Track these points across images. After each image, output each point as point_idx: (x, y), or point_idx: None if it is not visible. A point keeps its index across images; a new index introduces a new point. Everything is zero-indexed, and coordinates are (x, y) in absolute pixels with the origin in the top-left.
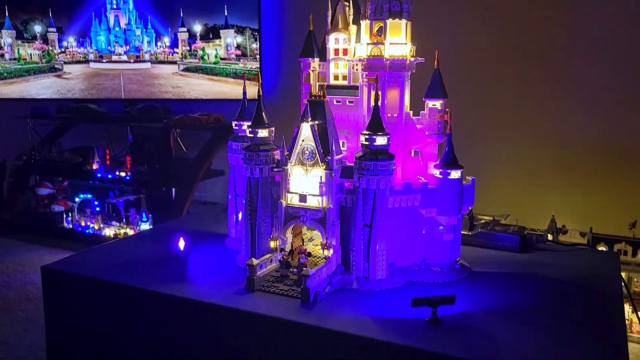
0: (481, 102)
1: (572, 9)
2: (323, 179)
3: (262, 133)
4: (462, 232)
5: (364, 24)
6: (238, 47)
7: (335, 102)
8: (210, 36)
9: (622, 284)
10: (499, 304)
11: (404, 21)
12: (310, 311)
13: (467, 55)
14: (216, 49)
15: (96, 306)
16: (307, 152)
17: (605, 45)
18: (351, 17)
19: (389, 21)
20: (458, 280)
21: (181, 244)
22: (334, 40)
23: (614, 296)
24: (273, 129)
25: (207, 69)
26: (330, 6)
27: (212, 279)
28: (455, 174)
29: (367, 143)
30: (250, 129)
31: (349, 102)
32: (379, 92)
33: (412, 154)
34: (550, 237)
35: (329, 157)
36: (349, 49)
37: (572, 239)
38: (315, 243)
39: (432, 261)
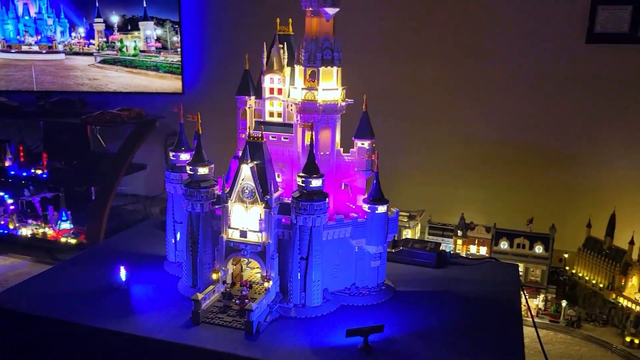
0: (394, 103)
1: (472, 13)
2: (262, 217)
3: (203, 171)
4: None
5: (298, 68)
6: (158, 39)
7: (270, 138)
8: (129, 28)
9: (522, 293)
10: (420, 325)
11: (335, 68)
12: (254, 343)
13: (380, 54)
14: (135, 41)
15: (33, 345)
16: (246, 191)
17: (503, 47)
18: (285, 60)
19: (322, 69)
20: (384, 302)
21: (122, 273)
22: (269, 80)
23: (514, 311)
24: (213, 165)
25: (125, 62)
26: (265, 48)
27: (156, 311)
28: (381, 209)
29: (303, 185)
30: (190, 167)
31: (284, 138)
32: (313, 137)
33: (342, 187)
34: (460, 232)
35: (268, 197)
36: (283, 88)
37: (479, 234)
38: (252, 267)
39: (361, 284)
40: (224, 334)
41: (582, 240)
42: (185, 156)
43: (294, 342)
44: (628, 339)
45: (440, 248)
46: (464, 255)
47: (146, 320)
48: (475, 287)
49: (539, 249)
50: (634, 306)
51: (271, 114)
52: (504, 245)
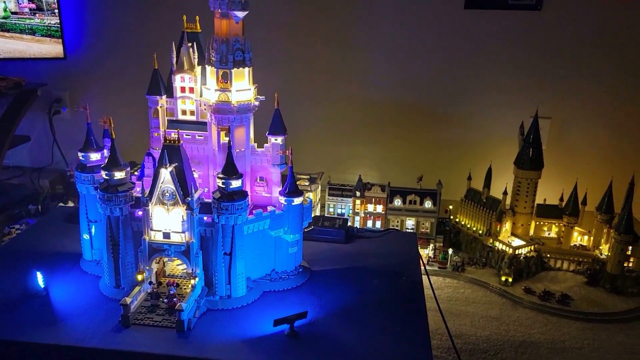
0: (290, 64)
1: None
2: (184, 218)
3: (119, 175)
4: None
5: (209, 69)
6: (32, 0)
7: (185, 136)
8: None
9: (420, 260)
10: (338, 305)
11: (247, 69)
12: (187, 341)
13: (279, 18)
14: (5, 2)
15: None
16: (167, 194)
17: (389, 13)
18: (196, 60)
19: (234, 70)
20: (303, 284)
21: (40, 279)
22: (180, 79)
23: (416, 280)
24: (128, 168)
25: None
26: (174, 47)
27: (83, 316)
28: (297, 201)
29: (223, 186)
30: (106, 172)
31: (199, 136)
32: (230, 140)
33: (258, 180)
34: (358, 193)
35: (189, 199)
36: (195, 87)
37: (376, 194)
38: (173, 261)
39: (280, 269)
40: (157, 335)
41: (464, 192)
42: (95, 156)
43: (225, 335)
44: (503, 278)
45: (348, 224)
46: (368, 229)
47: (74, 328)
48: (381, 260)
49: (428, 204)
50: (507, 249)
51: (184, 112)
52: (397, 202)
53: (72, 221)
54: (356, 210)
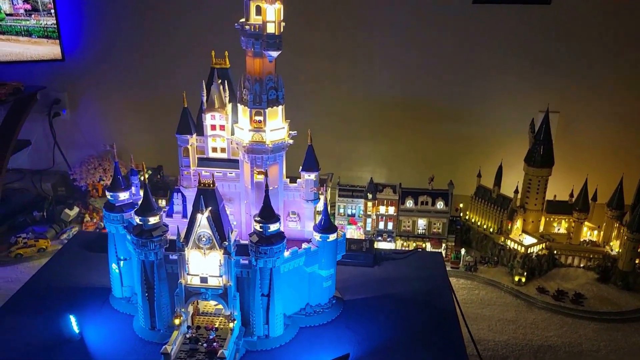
0: (298, 67)
1: None
2: (222, 262)
3: (153, 220)
4: None
5: (242, 108)
6: (27, 0)
7: (216, 173)
8: None
9: (448, 281)
10: (375, 341)
11: (280, 107)
12: None
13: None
14: None
15: None
16: (203, 238)
17: (396, 9)
18: (227, 98)
19: (268, 110)
20: (337, 317)
21: (74, 323)
22: (211, 117)
23: (448, 309)
24: (163, 212)
25: None
26: (204, 86)
27: None
28: (332, 237)
29: (261, 230)
30: (140, 218)
31: (230, 174)
32: (267, 185)
33: (290, 214)
34: (370, 195)
35: (226, 243)
36: (226, 125)
37: (387, 195)
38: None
39: (314, 303)
40: None
41: (474, 187)
42: (124, 195)
43: None
44: (516, 278)
45: (375, 246)
46: (394, 251)
47: None
48: (409, 285)
49: (440, 204)
50: (519, 247)
51: (214, 150)
52: (409, 203)
53: (93, 249)
54: (368, 212)
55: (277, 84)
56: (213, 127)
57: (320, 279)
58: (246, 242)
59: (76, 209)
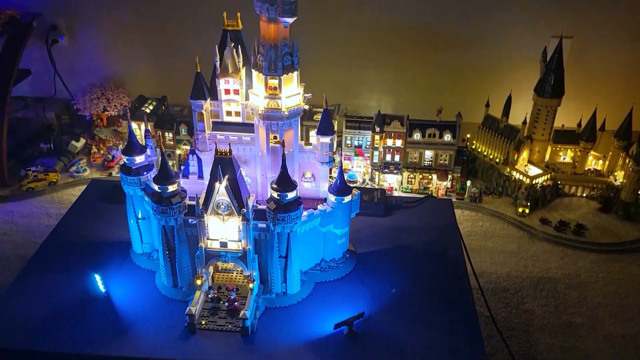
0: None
1: None
2: (241, 228)
3: (172, 187)
4: None
5: (256, 74)
6: None
7: (231, 137)
8: None
9: (457, 229)
10: (387, 297)
11: (295, 73)
12: (253, 347)
13: None
14: None
15: None
16: (222, 206)
17: None
18: (240, 63)
19: (283, 77)
20: (352, 272)
21: (100, 283)
22: (225, 82)
23: (459, 260)
24: (180, 179)
25: None
26: (217, 51)
27: (148, 323)
28: (347, 199)
29: (279, 198)
30: (159, 186)
31: (245, 137)
32: (284, 151)
33: (305, 175)
34: (377, 129)
35: (245, 210)
36: (240, 90)
37: (395, 128)
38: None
39: (329, 258)
40: (224, 340)
41: (481, 116)
42: (140, 158)
43: (287, 337)
44: (520, 209)
45: (385, 191)
46: (406, 199)
47: (142, 337)
48: (420, 237)
49: (447, 137)
50: (524, 178)
51: (229, 114)
52: (417, 136)
53: (109, 200)
54: (375, 145)
55: (292, 49)
56: (227, 92)
57: (335, 236)
58: (263, 207)
59: (82, 140)
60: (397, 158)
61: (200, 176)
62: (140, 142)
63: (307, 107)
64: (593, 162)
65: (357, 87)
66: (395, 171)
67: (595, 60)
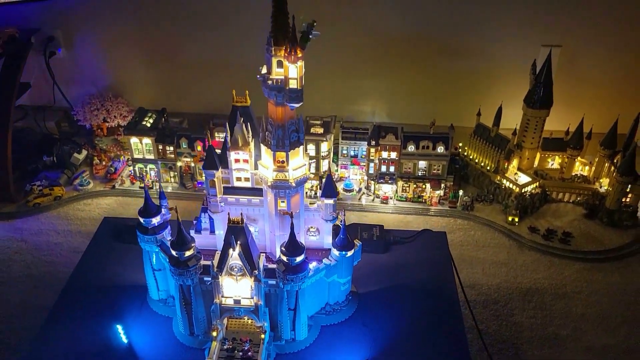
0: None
1: None
2: (253, 287)
3: (189, 253)
4: None
5: (265, 148)
6: None
7: (241, 199)
8: None
9: (452, 261)
10: (388, 338)
11: (301, 148)
12: None
13: None
14: None
15: None
16: (235, 268)
17: None
18: (250, 137)
19: (290, 152)
20: (354, 314)
21: (122, 334)
22: (235, 153)
23: (453, 298)
24: (194, 245)
25: None
26: (228, 127)
27: None
28: (350, 253)
29: (287, 261)
30: (176, 252)
31: (254, 200)
32: (293, 225)
33: (310, 229)
34: (373, 142)
35: (256, 272)
36: (249, 159)
37: (390, 142)
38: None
39: (333, 302)
40: None
41: (473, 122)
42: (155, 219)
43: None
44: (510, 218)
45: (384, 228)
46: (403, 233)
47: None
48: (418, 273)
49: (440, 148)
50: (514, 187)
51: (239, 179)
52: (411, 148)
53: (122, 239)
54: (371, 157)
55: (298, 125)
56: (237, 161)
57: (339, 284)
58: (273, 266)
59: (84, 152)
60: (392, 169)
61: (212, 232)
62: (156, 206)
63: (312, 176)
64: (580, 168)
65: (352, 94)
66: (390, 181)
67: (583, 69)
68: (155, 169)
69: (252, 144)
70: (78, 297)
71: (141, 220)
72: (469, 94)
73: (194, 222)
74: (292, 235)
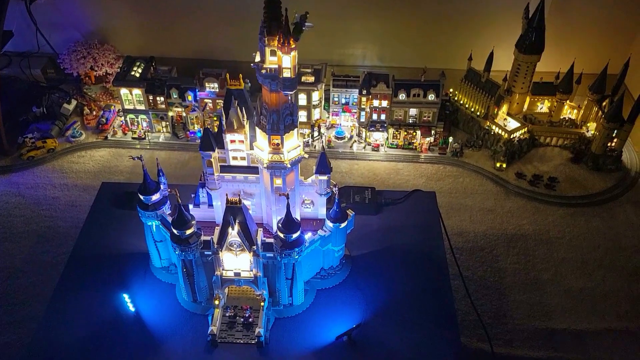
0: None
1: None
2: (252, 261)
3: (189, 231)
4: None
5: (260, 131)
6: None
7: (238, 177)
8: None
9: (440, 221)
10: (381, 302)
11: (295, 130)
12: (268, 358)
13: None
14: None
15: None
16: (235, 244)
17: None
18: (245, 119)
19: (285, 135)
20: (348, 277)
21: (128, 303)
22: (231, 135)
23: (441, 262)
24: (194, 222)
25: None
26: (223, 110)
27: (175, 337)
28: (343, 224)
29: (284, 238)
30: (177, 231)
31: (251, 177)
32: (288, 199)
33: (305, 201)
34: (364, 91)
35: (254, 247)
36: (245, 140)
37: (381, 90)
38: None
39: (327, 266)
40: (242, 352)
41: (465, 64)
42: (155, 196)
43: (296, 345)
44: (497, 164)
45: (375, 190)
46: (395, 195)
47: (172, 352)
48: (408, 235)
49: (431, 96)
50: (503, 133)
51: (234, 158)
52: (402, 96)
53: (122, 206)
54: (362, 106)
55: (293, 109)
56: (233, 142)
57: (333, 251)
58: (271, 240)
59: (74, 102)
60: (382, 117)
61: (210, 205)
62: (155, 182)
63: (306, 156)
64: (568, 112)
65: (342, 37)
66: (381, 129)
67: (575, 12)
68: (147, 119)
69: (247, 126)
70: (84, 267)
71: (141, 197)
72: (461, 36)
73: (192, 196)
74: (289, 213)
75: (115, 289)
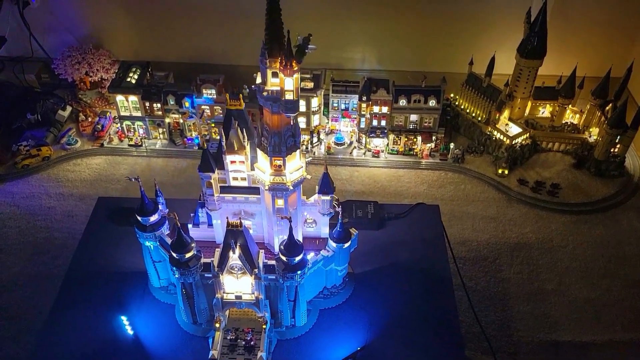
0: None
1: None
2: (253, 284)
3: (189, 254)
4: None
5: (261, 153)
6: None
7: (238, 198)
8: None
9: (444, 234)
10: (384, 321)
11: (298, 151)
12: None
13: None
14: None
15: None
16: (236, 267)
17: None
18: (245, 140)
19: (287, 157)
20: (351, 295)
21: (127, 326)
22: (232, 157)
23: (444, 278)
24: (194, 245)
25: None
26: (222, 130)
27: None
28: (346, 245)
29: (287, 261)
30: (177, 255)
31: (251, 198)
32: (292, 227)
33: (307, 220)
34: (364, 97)
35: (256, 270)
36: (245, 161)
37: (381, 97)
38: None
39: (330, 285)
40: None
41: (466, 68)
42: (153, 217)
43: None
44: (500, 170)
45: (378, 204)
46: (398, 209)
47: None
48: (412, 250)
49: (432, 102)
50: (504, 138)
51: (235, 179)
52: (402, 102)
53: (119, 222)
54: (362, 112)
55: (295, 130)
56: (233, 162)
57: (336, 270)
58: (272, 262)
59: (69, 108)
60: (383, 123)
61: (210, 224)
62: (153, 203)
63: (309, 177)
64: (570, 117)
65: (341, 39)
66: (381, 135)
67: (577, 17)
68: (144, 126)
69: (247, 146)
70: (81, 285)
71: (139, 219)
72: (462, 40)
73: (192, 215)
74: (291, 236)
75: (113, 309)
